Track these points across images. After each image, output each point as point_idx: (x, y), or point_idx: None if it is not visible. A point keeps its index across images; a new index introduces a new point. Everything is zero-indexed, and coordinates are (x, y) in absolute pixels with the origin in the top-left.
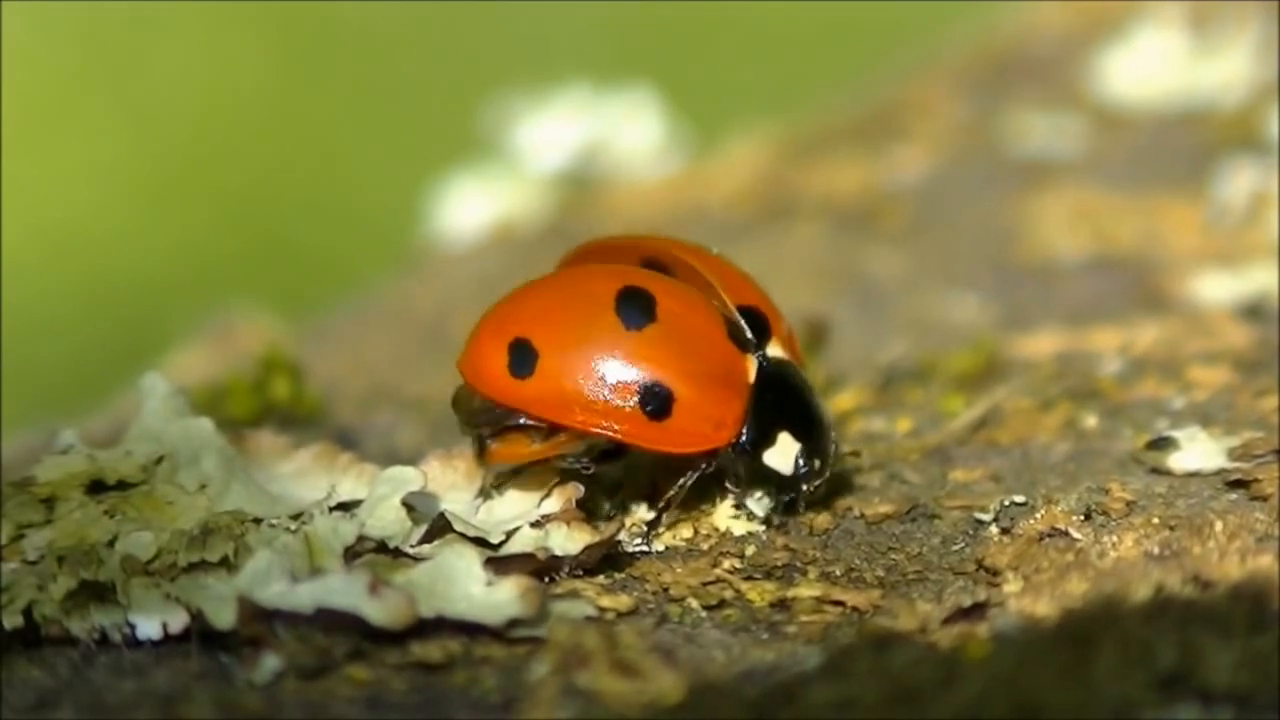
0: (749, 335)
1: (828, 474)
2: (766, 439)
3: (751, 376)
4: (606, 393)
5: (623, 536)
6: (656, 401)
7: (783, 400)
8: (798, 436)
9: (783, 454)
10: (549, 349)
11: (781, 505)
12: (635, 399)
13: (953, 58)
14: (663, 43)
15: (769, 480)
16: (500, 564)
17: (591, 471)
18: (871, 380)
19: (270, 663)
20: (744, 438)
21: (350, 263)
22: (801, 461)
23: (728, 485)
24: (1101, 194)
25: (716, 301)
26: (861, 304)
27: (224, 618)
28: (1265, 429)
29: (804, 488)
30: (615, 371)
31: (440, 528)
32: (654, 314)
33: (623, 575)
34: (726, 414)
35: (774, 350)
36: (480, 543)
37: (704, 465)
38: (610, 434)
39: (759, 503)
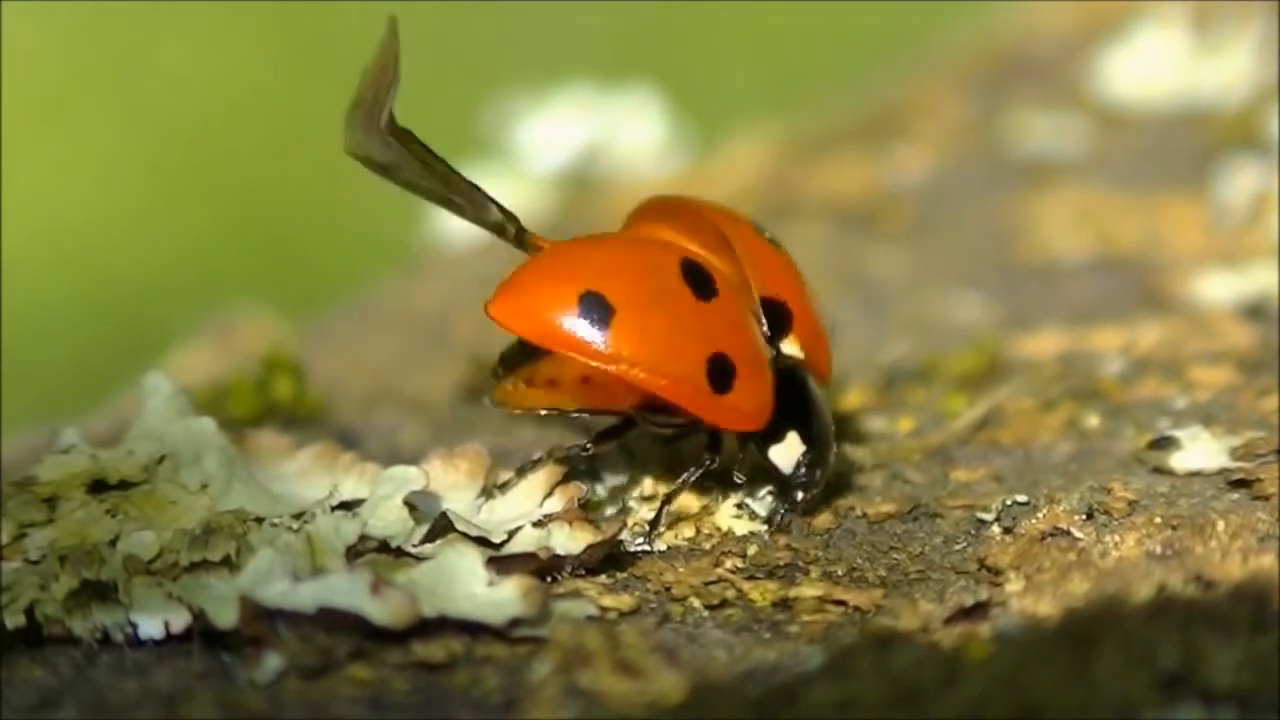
0: (767, 330)
1: (822, 485)
2: (776, 434)
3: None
4: (680, 358)
5: (625, 536)
6: (721, 373)
7: (796, 399)
8: (804, 438)
9: (788, 451)
10: (626, 304)
11: (784, 510)
12: (703, 368)
13: (954, 58)
14: (665, 42)
15: (768, 478)
16: (502, 563)
17: (591, 452)
18: (874, 380)
19: (272, 662)
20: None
21: (352, 262)
22: (802, 465)
23: (734, 477)
24: (1103, 194)
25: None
26: (864, 304)
27: (226, 617)
28: (1267, 429)
29: (799, 495)
30: (689, 337)
31: (442, 527)
32: (715, 288)
33: (625, 575)
34: (767, 398)
35: (789, 348)
36: (482, 542)
37: (709, 461)
38: (669, 396)
39: (761, 502)
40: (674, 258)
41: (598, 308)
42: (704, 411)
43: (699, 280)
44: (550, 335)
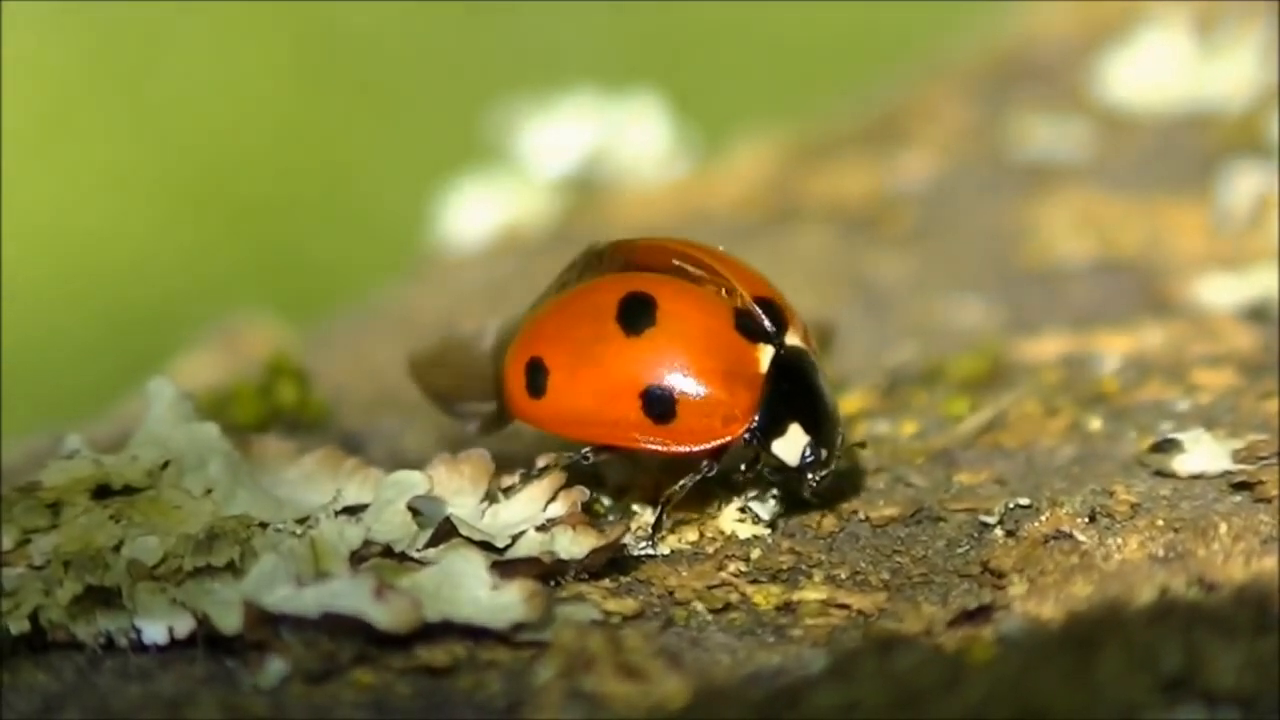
0: (764, 325)
1: (834, 465)
2: (777, 429)
3: (764, 366)
4: (610, 403)
5: (628, 540)
6: (658, 404)
7: (797, 390)
8: (807, 428)
9: (791, 444)
10: (556, 366)
11: (784, 500)
12: (638, 405)
13: (957, 63)
14: (668, 48)
15: (775, 471)
16: (506, 568)
17: (592, 461)
18: (877, 383)
19: (276, 667)
20: (755, 425)
21: (357, 268)
22: (808, 452)
23: (736, 477)
24: (1106, 198)
25: (732, 295)
26: (867, 308)
27: (229, 622)
28: (1269, 431)
29: (809, 477)
30: (614, 380)
31: (446, 532)
32: (654, 317)
33: (628, 579)
34: (735, 407)
35: (792, 339)
36: (486, 547)
37: (706, 467)
38: (624, 443)
39: (764, 505)
40: (614, 297)
41: (538, 373)
42: (660, 444)
43: (635, 315)
44: (516, 410)
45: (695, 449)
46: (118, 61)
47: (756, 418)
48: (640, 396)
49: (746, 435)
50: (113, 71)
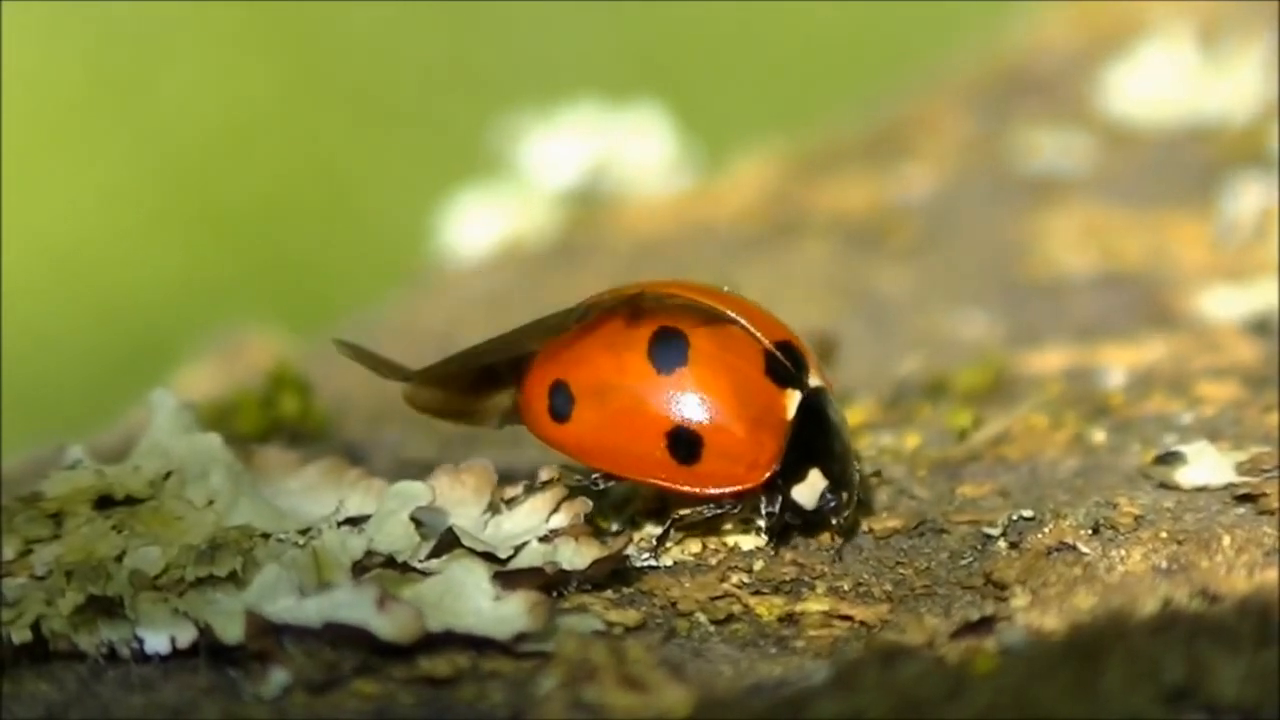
0: (790, 369)
1: (854, 505)
2: (797, 475)
3: (791, 413)
4: (635, 439)
5: (631, 551)
6: (684, 446)
7: (818, 437)
8: (826, 474)
9: (810, 490)
10: (583, 394)
11: (780, 524)
12: (663, 444)
13: (960, 75)
14: (671, 60)
15: (792, 514)
16: (508, 578)
17: (602, 488)
18: (880, 396)
19: (278, 677)
20: (776, 471)
21: (359, 280)
22: (827, 497)
23: (758, 522)
24: (1109, 210)
25: (755, 336)
26: (870, 321)
27: (232, 632)
28: (1273, 444)
29: (834, 521)
30: (642, 417)
31: (448, 542)
32: (686, 356)
33: (631, 590)
34: (760, 455)
35: (814, 380)
36: (488, 557)
37: (730, 506)
38: (644, 480)
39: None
40: (646, 330)
41: (563, 398)
42: (680, 484)
43: (667, 350)
44: (536, 430)
45: (715, 493)
46: (113, 71)
47: (778, 465)
48: (666, 436)
49: (768, 482)
50: (115, 80)
